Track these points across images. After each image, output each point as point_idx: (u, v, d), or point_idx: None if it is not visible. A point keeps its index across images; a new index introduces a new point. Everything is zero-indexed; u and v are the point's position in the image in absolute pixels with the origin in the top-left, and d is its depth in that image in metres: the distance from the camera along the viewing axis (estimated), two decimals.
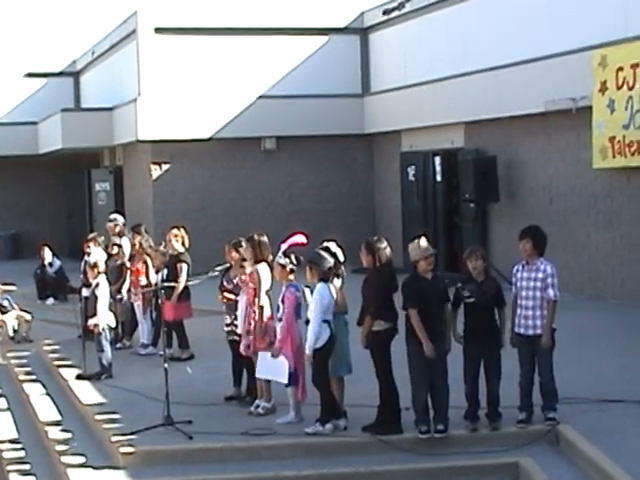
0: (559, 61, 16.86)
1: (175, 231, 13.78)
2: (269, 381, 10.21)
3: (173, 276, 13.34)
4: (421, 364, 9.02)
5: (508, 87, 18.20)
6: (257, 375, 10.14)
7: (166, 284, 12.71)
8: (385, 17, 22.94)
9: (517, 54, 18.11)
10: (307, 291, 9.77)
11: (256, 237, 10.44)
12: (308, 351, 9.30)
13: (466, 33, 20.11)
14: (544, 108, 17.15)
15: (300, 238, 10.00)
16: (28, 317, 17.30)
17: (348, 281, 9.89)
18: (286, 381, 9.76)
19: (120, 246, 15.05)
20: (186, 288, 13.36)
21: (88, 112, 26.91)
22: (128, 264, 14.70)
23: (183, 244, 13.72)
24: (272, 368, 9.85)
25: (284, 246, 9.94)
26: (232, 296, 11.03)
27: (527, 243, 9.31)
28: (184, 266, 13.46)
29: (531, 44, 17.95)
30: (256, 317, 10.16)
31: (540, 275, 9.22)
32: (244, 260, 10.72)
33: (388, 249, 9.29)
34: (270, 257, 10.38)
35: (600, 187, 16.54)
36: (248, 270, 10.54)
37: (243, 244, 10.72)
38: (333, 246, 9.65)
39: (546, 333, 9.18)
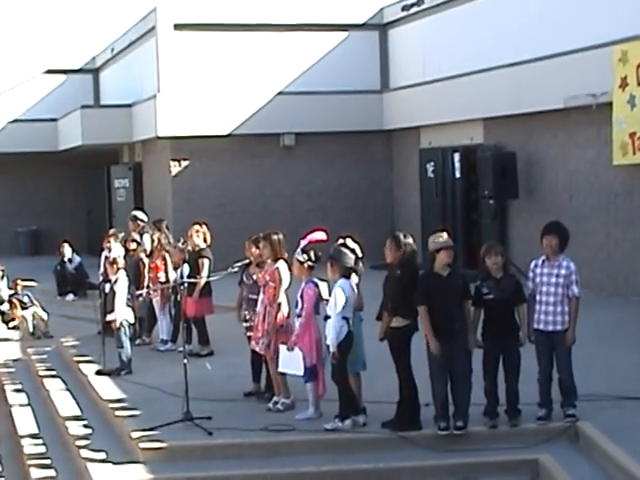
0: (579, 57, 16.78)
1: (197, 227, 13.83)
2: (285, 377, 10.24)
3: (195, 272, 13.38)
4: (439, 360, 9.01)
5: (528, 83, 18.13)
6: (280, 369, 10.09)
7: (186, 280, 12.74)
8: (404, 13, 22.88)
9: (537, 50, 18.02)
10: (324, 285, 9.76)
11: (273, 235, 10.46)
12: (333, 348, 9.29)
13: (485, 29, 20.04)
14: (564, 104, 17.07)
15: (320, 235, 10.02)
16: (44, 316, 17.36)
17: (367, 277, 9.89)
18: (301, 373, 9.76)
19: (139, 243, 15.10)
20: (207, 284, 13.38)
21: (107, 109, 27.00)
22: (146, 260, 14.73)
23: (205, 240, 13.76)
24: (289, 361, 9.86)
25: (303, 242, 9.95)
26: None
27: (553, 239, 9.25)
28: (206, 261, 13.49)
29: (551, 39, 17.86)
30: (275, 316, 10.18)
31: (563, 271, 9.19)
32: (261, 257, 10.74)
33: (414, 246, 9.28)
34: (286, 254, 10.40)
35: (620, 184, 16.46)
36: (265, 267, 10.56)
37: (261, 242, 10.72)
38: (350, 242, 9.65)
39: (571, 329, 9.15)
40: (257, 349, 10.49)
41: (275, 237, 10.44)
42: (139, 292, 14.36)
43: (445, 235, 9.21)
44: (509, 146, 19.04)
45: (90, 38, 30.54)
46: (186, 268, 13.73)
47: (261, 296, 10.48)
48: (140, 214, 16.30)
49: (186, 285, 12.47)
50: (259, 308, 10.47)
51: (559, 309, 9.19)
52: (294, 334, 9.86)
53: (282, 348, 9.96)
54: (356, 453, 9.07)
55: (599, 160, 16.76)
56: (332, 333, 9.28)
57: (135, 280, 14.30)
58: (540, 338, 9.29)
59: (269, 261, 10.49)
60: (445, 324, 8.98)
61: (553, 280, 9.21)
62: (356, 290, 9.53)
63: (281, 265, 10.33)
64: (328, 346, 9.42)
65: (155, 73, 23.28)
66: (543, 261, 9.33)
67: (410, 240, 9.29)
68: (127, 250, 15.05)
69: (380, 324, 9.32)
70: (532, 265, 9.43)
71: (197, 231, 13.76)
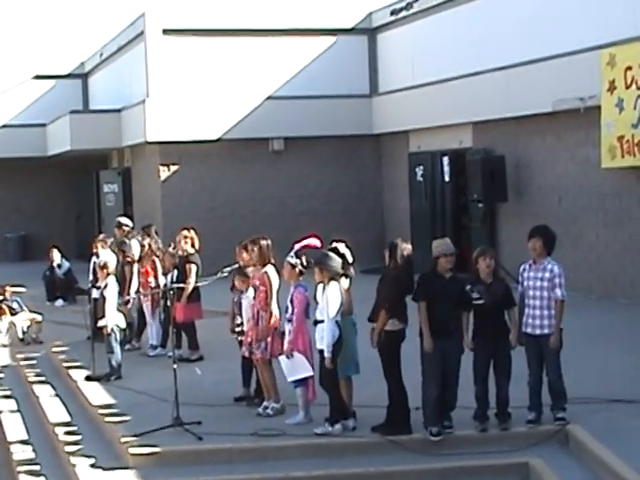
0: (567, 60, 16.83)
1: (185, 232, 13.81)
2: (275, 382, 10.23)
3: (183, 277, 13.36)
4: (433, 360, 9.01)
5: (516, 87, 18.17)
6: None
7: (176, 285, 12.72)
8: (393, 17, 22.93)
9: (525, 54, 18.08)
10: (319, 287, 9.71)
11: (262, 240, 10.46)
12: (328, 353, 9.27)
13: (474, 33, 20.09)
14: (552, 108, 17.12)
15: (314, 241, 10.02)
16: (39, 318, 17.35)
17: (357, 282, 9.88)
18: (311, 373, 9.71)
19: (125, 247, 15.06)
20: (196, 289, 13.36)
21: (96, 114, 26.95)
22: (136, 266, 14.68)
23: (193, 245, 13.74)
24: (294, 368, 9.79)
25: (297, 246, 9.95)
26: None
27: (537, 242, 9.29)
28: (193, 267, 13.48)
29: (539, 43, 17.91)
30: (270, 319, 10.16)
31: (547, 275, 9.21)
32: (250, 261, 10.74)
33: (410, 250, 9.29)
34: (273, 260, 10.40)
35: (609, 187, 16.50)
36: (253, 272, 10.55)
37: (249, 247, 10.71)
38: (342, 247, 9.64)
39: (555, 333, 9.16)
40: (247, 354, 10.45)
41: (264, 242, 10.45)
42: (128, 297, 14.33)
43: (447, 241, 9.29)
44: (498, 149, 19.07)
45: (79, 43, 30.50)
46: (177, 273, 13.70)
47: (251, 301, 10.47)
48: (124, 220, 16.26)
49: (175, 290, 12.42)
50: (249, 312, 10.44)
51: (545, 312, 9.20)
52: (287, 341, 9.82)
53: (282, 359, 9.89)
54: (346, 457, 9.06)
55: (588, 163, 16.81)
56: (328, 337, 9.26)
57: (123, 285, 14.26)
58: (529, 341, 9.30)
59: (257, 266, 10.48)
60: (441, 324, 9.01)
61: (538, 284, 9.23)
62: (345, 295, 9.52)
63: (269, 269, 10.33)
64: (320, 351, 9.40)
65: (144, 78, 23.26)
66: (530, 265, 9.36)
67: (408, 245, 9.32)
68: (117, 256, 15.02)
69: (371, 327, 9.28)
70: (521, 269, 9.46)
71: (185, 237, 13.75)
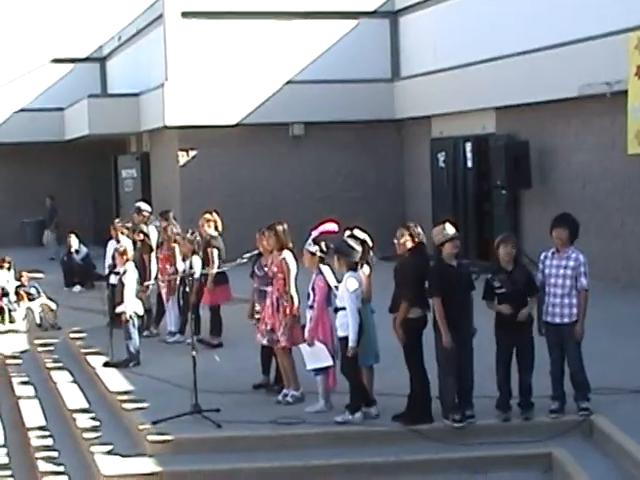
0: (594, 44, 16.58)
1: (207, 216, 13.71)
2: (295, 369, 10.13)
3: (206, 261, 13.27)
4: (450, 353, 8.90)
5: (541, 71, 17.94)
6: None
7: (194, 271, 12.65)
8: (415, 0, 22.71)
9: (550, 37, 17.84)
10: (328, 270, 9.58)
11: (278, 225, 10.35)
12: (353, 343, 9.14)
13: (498, 16, 19.87)
14: (578, 92, 16.89)
15: (331, 226, 9.96)
16: (53, 306, 17.22)
17: (377, 269, 9.79)
18: (331, 363, 9.61)
19: (146, 234, 14.98)
20: (222, 272, 13.22)
21: (115, 98, 26.87)
22: (154, 254, 14.60)
23: (216, 228, 13.62)
24: (314, 356, 9.70)
25: (315, 233, 9.84)
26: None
27: (564, 231, 9.16)
28: (215, 251, 13.38)
29: (565, 27, 17.68)
30: (289, 307, 10.05)
31: (572, 263, 9.10)
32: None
33: (423, 235, 9.19)
34: (291, 244, 10.28)
35: (635, 173, 16.28)
36: (271, 259, 10.44)
37: (265, 233, 10.60)
38: (359, 233, 9.50)
39: (580, 323, 9.05)
40: (264, 342, 10.36)
41: (280, 227, 10.36)
42: (147, 283, 14.24)
43: (448, 226, 9.11)
44: (522, 135, 18.87)
45: (97, 26, 30.43)
46: (195, 259, 13.58)
47: (270, 288, 10.37)
48: (144, 205, 16.19)
49: (197, 276, 12.32)
50: (268, 300, 10.33)
51: (567, 301, 9.09)
52: (307, 329, 9.72)
53: (303, 347, 9.78)
54: (366, 446, 8.98)
55: (613, 149, 16.60)
56: (352, 326, 9.12)
57: (141, 272, 14.17)
58: (549, 330, 9.21)
59: (275, 252, 10.36)
60: (457, 314, 8.92)
61: (561, 272, 9.12)
62: (365, 281, 9.39)
63: (287, 255, 10.22)
64: (340, 338, 9.27)
65: (163, 62, 23.16)
66: (553, 253, 9.24)
67: (420, 230, 9.20)
68: (134, 242, 14.94)
69: (392, 317, 9.15)
70: (542, 257, 9.34)
71: (208, 220, 13.64)
